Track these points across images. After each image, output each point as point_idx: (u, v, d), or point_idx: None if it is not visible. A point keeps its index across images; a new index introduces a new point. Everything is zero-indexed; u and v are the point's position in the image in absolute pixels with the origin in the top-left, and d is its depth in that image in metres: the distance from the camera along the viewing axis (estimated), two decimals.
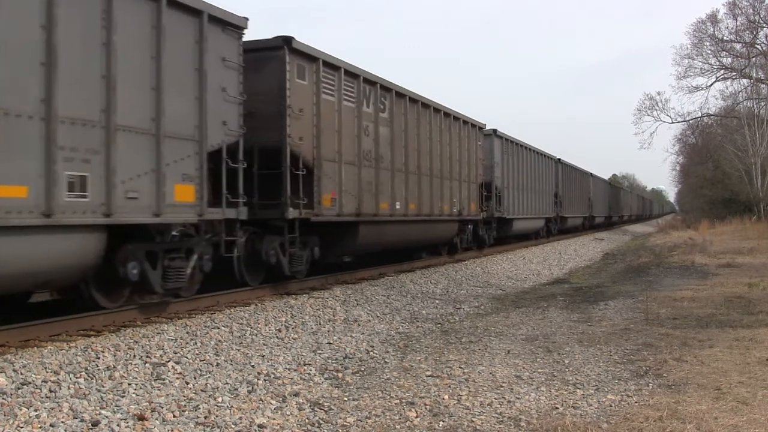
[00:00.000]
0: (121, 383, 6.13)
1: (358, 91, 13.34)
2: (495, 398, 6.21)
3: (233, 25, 9.61)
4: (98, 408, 5.48)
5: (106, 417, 5.29)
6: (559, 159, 34.16)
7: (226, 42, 9.48)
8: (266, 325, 9.06)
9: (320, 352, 8.12)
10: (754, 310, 10.78)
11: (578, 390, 6.46)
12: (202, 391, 6.17)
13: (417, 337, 9.30)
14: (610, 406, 5.97)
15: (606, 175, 69.85)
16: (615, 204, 57.43)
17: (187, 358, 7.16)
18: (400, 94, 15.31)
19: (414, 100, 16.09)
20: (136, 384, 6.15)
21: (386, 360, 7.85)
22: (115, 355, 6.85)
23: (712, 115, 49.41)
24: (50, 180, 6.90)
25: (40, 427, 5.01)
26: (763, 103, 44.29)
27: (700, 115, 49.41)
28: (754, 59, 43.47)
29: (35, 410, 5.29)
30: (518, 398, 6.22)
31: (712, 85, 45.95)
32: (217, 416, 5.53)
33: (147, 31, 8.19)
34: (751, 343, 8.24)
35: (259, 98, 10.63)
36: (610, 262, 23.77)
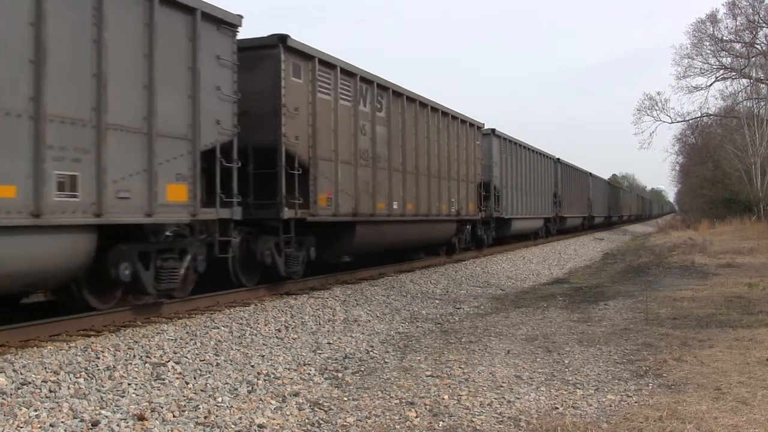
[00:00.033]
0: (121, 383, 6.10)
1: (355, 89, 13.24)
2: (495, 398, 6.17)
3: (227, 23, 9.52)
4: (98, 408, 5.46)
5: (106, 417, 5.27)
6: (559, 159, 34.10)
7: (220, 40, 9.39)
8: (266, 325, 9.01)
9: (320, 352, 8.07)
10: (754, 310, 10.72)
11: (578, 390, 6.42)
12: (201, 391, 6.14)
13: (417, 337, 9.24)
14: (610, 406, 5.93)
15: (606, 175, 69.92)
16: (614, 204, 57.42)
17: (186, 358, 7.13)
18: (398, 93, 15.20)
19: (411, 99, 15.99)
20: (136, 384, 6.13)
21: (386, 360, 7.81)
22: (114, 355, 6.82)
23: (711, 115, 49.46)
24: (39, 179, 6.81)
25: (39, 427, 4.99)
26: (762, 103, 44.35)
27: (699, 115, 49.52)
28: (753, 59, 43.52)
29: (35, 410, 5.27)
30: (518, 398, 6.18)
31: (711, 85, 46.03)
32: (216, 416, 5.50)
33: (139, 29, 8.09)
34: (751, 343, 8.19)
35: (253, 97, 10.55)
36: (610, 262, 23.70)
